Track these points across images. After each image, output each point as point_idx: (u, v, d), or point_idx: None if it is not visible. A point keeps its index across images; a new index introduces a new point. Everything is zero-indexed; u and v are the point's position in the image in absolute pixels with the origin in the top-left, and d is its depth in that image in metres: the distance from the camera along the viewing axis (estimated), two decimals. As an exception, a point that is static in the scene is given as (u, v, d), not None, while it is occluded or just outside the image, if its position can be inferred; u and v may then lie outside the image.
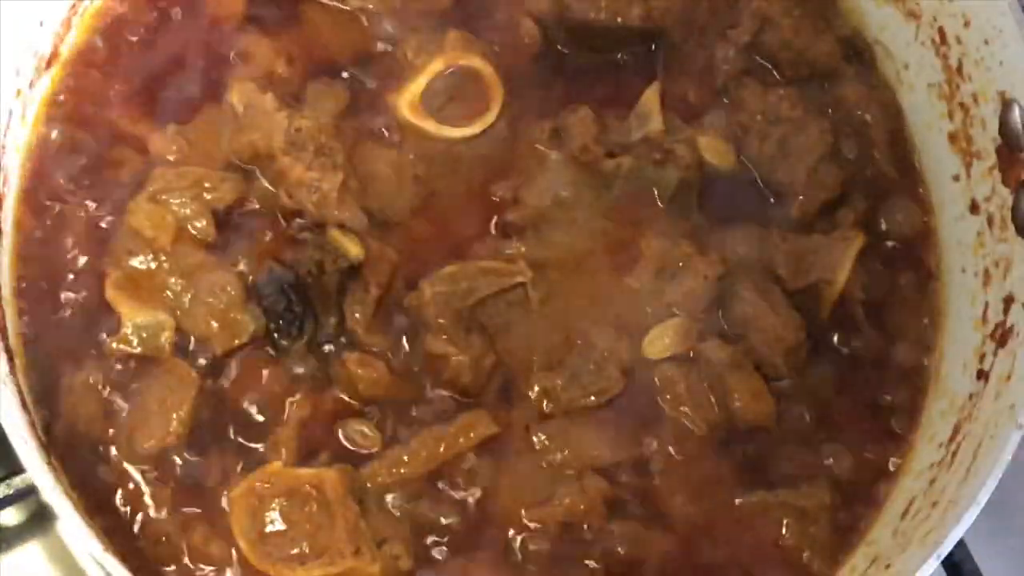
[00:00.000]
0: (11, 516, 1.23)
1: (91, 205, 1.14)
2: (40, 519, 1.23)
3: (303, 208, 1.13)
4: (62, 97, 1.18)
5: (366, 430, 1.10)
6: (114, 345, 1.09)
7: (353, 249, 1.13)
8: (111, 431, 1.08)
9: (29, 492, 1.09)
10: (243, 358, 1.11)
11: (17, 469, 1.08)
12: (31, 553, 1.23)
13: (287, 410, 1.10)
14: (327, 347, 1.12)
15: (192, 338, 1.11)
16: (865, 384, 1.18)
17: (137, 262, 1.11)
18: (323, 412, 1.11)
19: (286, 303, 1.11)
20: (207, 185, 1.13)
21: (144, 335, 1.09)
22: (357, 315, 1.12)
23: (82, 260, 1.13)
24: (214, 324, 1.10)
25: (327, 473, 1.06)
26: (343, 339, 1.12)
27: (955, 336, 1.19)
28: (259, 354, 1.11)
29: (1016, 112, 1.11)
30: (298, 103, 1.17)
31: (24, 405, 1.05)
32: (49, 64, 1.18)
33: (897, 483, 1.15)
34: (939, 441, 1.13)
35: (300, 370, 1.11)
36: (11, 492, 1.09)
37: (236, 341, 1.10)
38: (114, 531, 1.04)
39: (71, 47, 1.19)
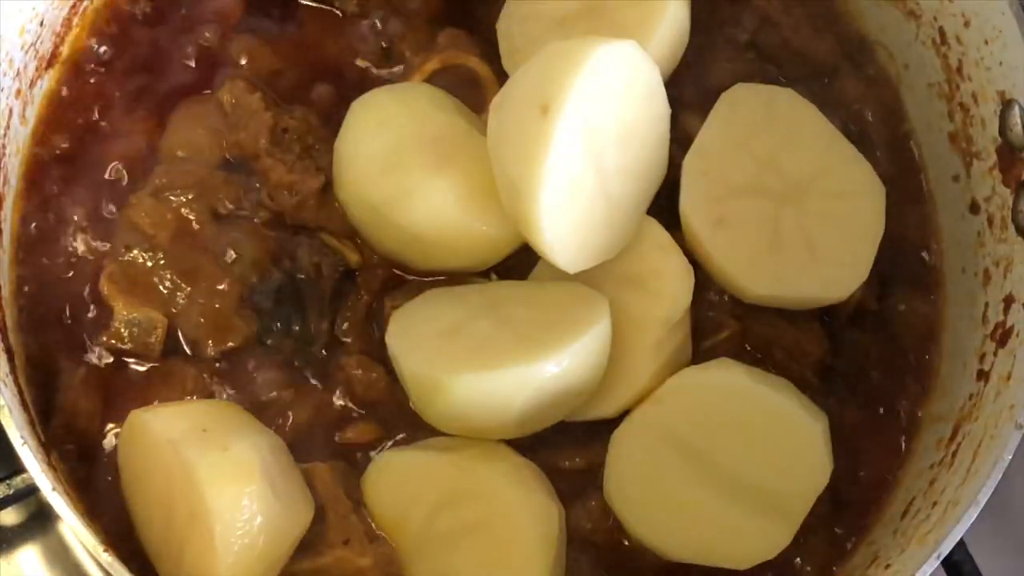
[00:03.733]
0: (11, 516, 1.23)
1: (91, 203, 1.14)
2: (40, 519, 1.24)
3: (283, 211, 1.13)
4: (62, 96, 1.18)
5: (363, 431, 1.11)
6: (104, 339, 1.09)
7: (352, 255, 1.13)
8: (110, 428, 1.08)
9: (29, 492, 1.09)
10: (237, 359, 1.11)
11: (17, 469, 1.08)
12: (31, 553, 1.23)
13: (284, 411, 1.11)
14: (321, 351, 1.12)
15: (184, 338, 1.11)
16: (866, 386, 1.18)
17: (134, 257, 1.12)
18: (321, 413, 1.11)
19: (277, 305, 1.11)
20: (209, 185, 1.14)
21: (135, 331, 1.09)
22: (348, 320, 1.12)
23: (82, 258, 1.13)
24: (208, 325, 1.10)
25: (318, 467, 1.07)
26: (333, 343, 1.12)
27: (955, 336, 1.19)
28: (252, 356, 1.11)
29: (1016, 112, 1.11)
30: (290, 104, 1.17)
31: (24, 404, 1.05)
32: (49, 64, 1.18)
33: (897, 484, 1.15)
34: (939, 441, 1.13)
35: (295, 372, 1.12)
36: (11, 492, 1.09)
37: (229, 343, 1.10)
38: (114, 530, 1.04)
39: (71, 47, 1.19)
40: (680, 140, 1.15)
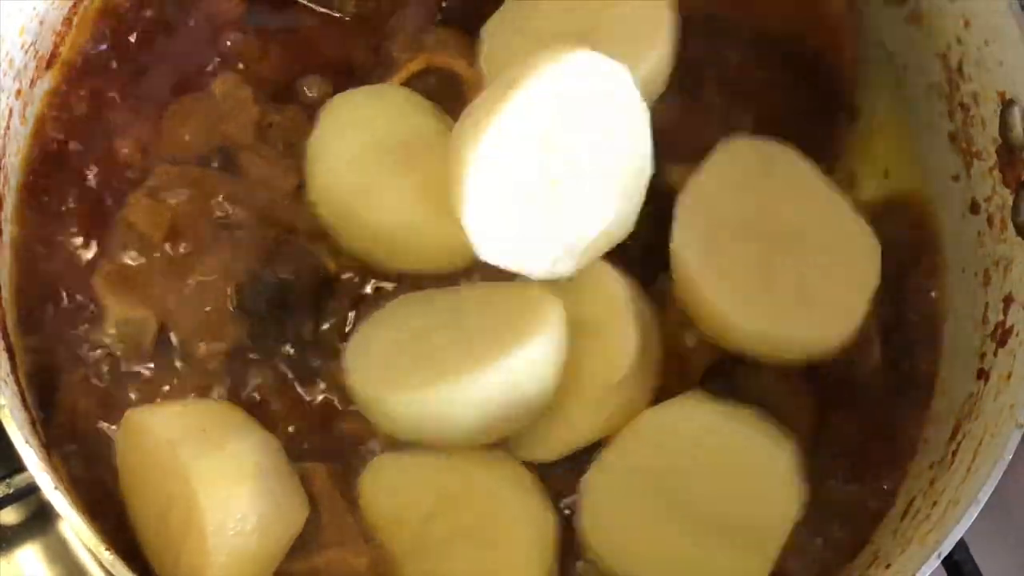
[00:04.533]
0: (11, 515, 1.23)
1: (90, 203, 1.15)
2: (40, 519, 1.24)
3: (255, 209, 1.13)
4: (62, 96, 1.18)
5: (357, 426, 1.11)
6: (100, 339, 1.09)
7: (328, 260, 1.13)
8: (110, 427, 1.08)
9: (29, 491, 1.09)
10: (231, 360, 1.11)
11: (17, 468, 1.08)
12: (31, 552, 1.23)
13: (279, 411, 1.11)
14: (314, 352, 1.12)
15: (177, 338, 1.11)
16: (865, 387, 1.17)
17: (129, 257, 1.12)
18: (315, 414, 1.11)
19: (270, 307, 1.11)
20: (205, 185, 1.14)
21: (128, 331, 1.10)
22: (332, 324, 1.12)
23: (82, 258, 1.13)
24: (201, 326, 1.10)
25: (314, 468, 1.07)
26: (326, 345, 1.12)
27: (955, 336, 1.19)
28: (246, 356, 1.11)
29: (1016, 112, 1.11)
30: (284, 104, 1.17)
31: (24, 404, 1.05)
32: (49, 64, 1.18)
33: (898, 484, 1.15)
34: (939, 441, 1.13)
35: (288, 374, 1.12)
36: (11, 492, 1.10)
37: (223, 344, 1.10)
38: (115, 530, 1.04)
39: (71, 47, 1.19)
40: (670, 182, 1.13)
